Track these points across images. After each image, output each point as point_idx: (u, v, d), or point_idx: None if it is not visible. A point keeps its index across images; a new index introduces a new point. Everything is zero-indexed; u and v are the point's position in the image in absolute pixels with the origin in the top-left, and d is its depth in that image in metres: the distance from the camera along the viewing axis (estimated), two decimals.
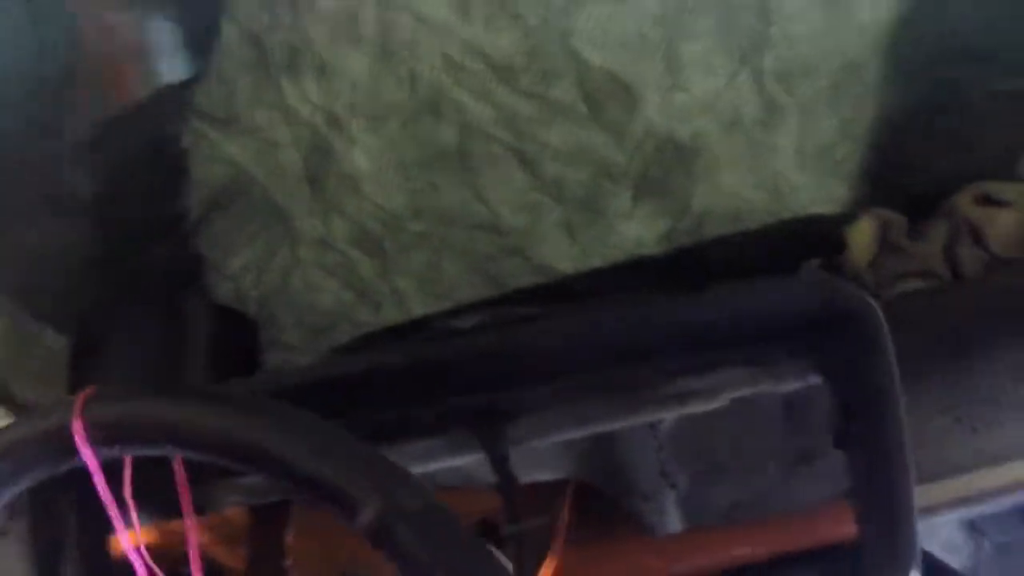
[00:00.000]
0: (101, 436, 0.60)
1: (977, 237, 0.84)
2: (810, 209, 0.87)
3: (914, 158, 0.87)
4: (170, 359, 0.82)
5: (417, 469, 0.70)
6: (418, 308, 0.89)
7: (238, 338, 0.84)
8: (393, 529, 0.52)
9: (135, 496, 0.61)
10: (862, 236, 0.84)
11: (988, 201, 0.85)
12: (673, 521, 0.75)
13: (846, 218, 0.86)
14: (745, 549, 0.77)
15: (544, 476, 0.77)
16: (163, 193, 0.85)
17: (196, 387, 0.64)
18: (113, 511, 0.64)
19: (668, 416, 0.72)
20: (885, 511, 0.67)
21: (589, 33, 0.82)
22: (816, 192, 0.87)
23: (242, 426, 0.58)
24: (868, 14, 0.82)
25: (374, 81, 0.81)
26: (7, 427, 0.63)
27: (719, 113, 0.84)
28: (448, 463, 0.71)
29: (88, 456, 0.61)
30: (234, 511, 0.88)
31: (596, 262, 0.88)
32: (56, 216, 0.85)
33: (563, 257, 0.88)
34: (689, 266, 0.88)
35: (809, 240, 0.86)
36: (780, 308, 0.68)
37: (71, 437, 0.60)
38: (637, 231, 0.87)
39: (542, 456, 0.75)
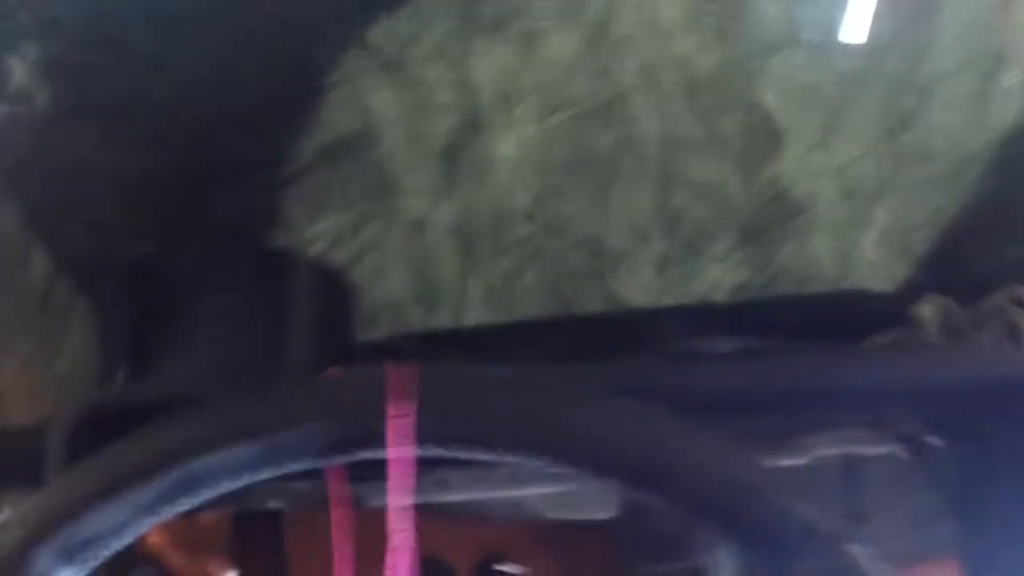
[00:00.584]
0: (432, 431, 0.48)
1: (1013, 335, 0.86)
2: (870, 284, 0.85)
3: (964, 251, 0.88)
4: (270, 327, 0.66)
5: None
6: (472, 317, 0.78)
7: (340, 308, 0.69)
8: None
9: None
10: (931, 318, 0.84)
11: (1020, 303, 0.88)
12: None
13: (902, 298, 0.85)
14: None
15: (598, 515, 0.73)
16: (266, 128, 0.67)
17: (570, 388, 0.52)
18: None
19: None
20: None
21: (776, 74, 0.75)
22: (882, 269, 0.85)
23: (648, 442, 0.49)
24: (999, 114, 0.81)
25: (570, 68, 0.70)
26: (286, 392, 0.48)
27: (842, 181, 0.81)
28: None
29: (400, 454, 0.48)
30: (207, 517, 0.77)
31: (667, 300, 0.81)
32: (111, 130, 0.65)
33: (641, 290, 0.81)
34: (751, 319, 0.84)
35: (866, 314, 0.84)
36: (958, 374, 0.67)
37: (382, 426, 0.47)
38: (718, 276, 0.82)
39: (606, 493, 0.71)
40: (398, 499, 0.50)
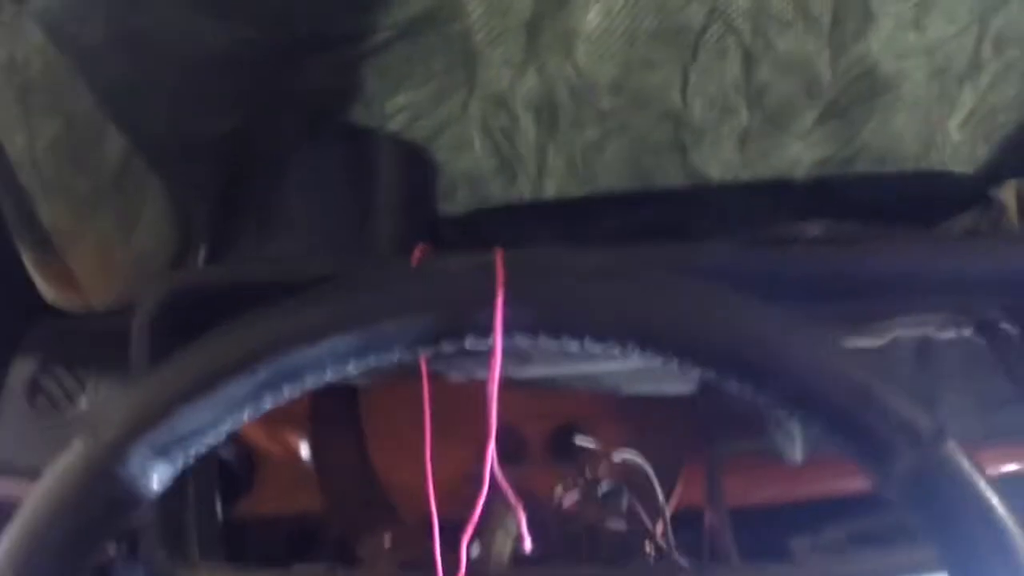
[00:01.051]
0: (527, 320, 0.47)
1: None
2: (952, 165, 0.84)
3: None
4: (357, 202, 0.65)
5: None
6: (552, 190, 0.78)
7: (422, 182, 0.69)
8: (931, 484, 0.46)
9: None
10: (1010, 201, 0.83)
11: None
12: (798, 450, 0.74)
13: (983, 180, 0.84)
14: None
15: (675, 390, 0.73)
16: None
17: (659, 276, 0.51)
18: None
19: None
20: None
21: None
22: (964, 150, 0.84)
23: (746, 337, 0.48)
24: None
25: None
26: (388, 280, 0.48)
27: (932, 60, 0.78)
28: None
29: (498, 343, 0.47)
30: None
31: (747, 175, 0.80)
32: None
33: (721, 165, 0.80)
34: (830, 196, 0.82)
35: (946, 195, 0.83)
36: None
37: (486, 314, 0.46)
38: (800, 152, 0.81)
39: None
40: (493, 385, 0.49)
